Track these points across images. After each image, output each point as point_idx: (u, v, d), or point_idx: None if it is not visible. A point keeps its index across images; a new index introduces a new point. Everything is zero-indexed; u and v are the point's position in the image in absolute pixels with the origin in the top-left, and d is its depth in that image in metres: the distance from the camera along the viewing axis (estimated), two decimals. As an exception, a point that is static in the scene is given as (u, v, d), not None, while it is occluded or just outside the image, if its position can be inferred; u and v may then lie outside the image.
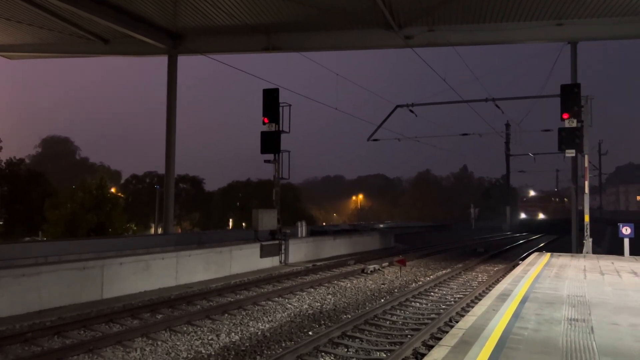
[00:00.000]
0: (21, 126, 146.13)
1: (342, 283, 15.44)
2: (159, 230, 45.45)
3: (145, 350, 8.36)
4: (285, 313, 11.22)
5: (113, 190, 47.25)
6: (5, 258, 14.51)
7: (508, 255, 25.06)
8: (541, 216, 67.75)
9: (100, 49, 25.64)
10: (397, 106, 25.07)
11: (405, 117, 24.74)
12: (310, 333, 9.59)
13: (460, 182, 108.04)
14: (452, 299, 13.10)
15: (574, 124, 18.15)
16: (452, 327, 8.45)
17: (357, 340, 9.07)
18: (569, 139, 18.11)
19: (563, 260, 16.88)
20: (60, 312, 10.76)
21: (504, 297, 9.74)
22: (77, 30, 23.21)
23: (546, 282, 11.68)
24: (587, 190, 19.28)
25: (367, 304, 12.45)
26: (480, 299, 11.38)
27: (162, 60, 26.07)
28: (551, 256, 18.20)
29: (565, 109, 18.27)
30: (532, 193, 59.72)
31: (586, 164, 19.46)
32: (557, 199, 70.11)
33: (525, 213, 64.75)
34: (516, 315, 8.13)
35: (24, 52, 27.67)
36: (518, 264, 17.14)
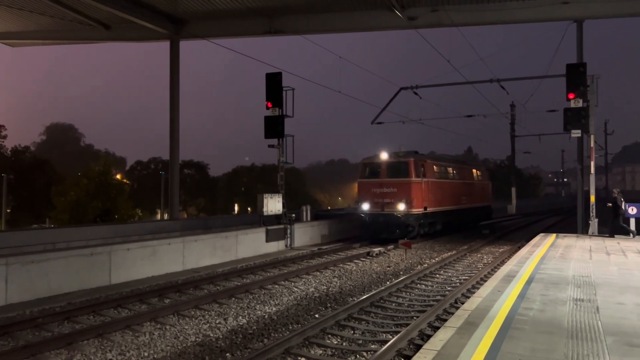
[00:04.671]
0: (25, 114, 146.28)
1: (347, 266, 15.52)
2: (165, 216, 45.71)
3: (154, 334, 8.47)
4: (292, 296, 11.30)
5: (118, 176, 47.41)
6: (13, 245, 14.65)
7: (513, 236, 25.07)
8: (402, 208, 20.02)
9: (101, 35, 25.50)
10: (401, 88, 24.89)
11: (409, 99, 24.57)
12: (316, 316, 9.68)
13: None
14: (457, 281, 13.16)
15: (579, 103, 17.99)
16: (457, 308, 8.51)
17: (363, 322, 9.14)
18: (575, 119, 17.98)
19: (568, 241, 16.88)
20: (70, 298, 10.90)
21: (509, 278, 9.77)
22: (78, 17, 23.06)
23: (551, 263, 11.70)
24: (593, 170, 19.18)
25: (372, 286, 12.53)
26: (485, 281, 11.44)
27: (165, 45, 25.91)
28: (557, 237, 18.21)
29: (570, 89, 18.10)
30: (383, 156, 21.26)
31: (592, 144, 19.33)
32: (451, 169, 25.16)
33: (370, 201, 21.00)
34: (521, 296, 8.16)
35: (25, 40, 27.57)
36: (523, 245, 17.16)
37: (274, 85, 19.95)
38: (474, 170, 29.41)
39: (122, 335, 8.40)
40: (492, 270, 14.36)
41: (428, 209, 21.43)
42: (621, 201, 17.93)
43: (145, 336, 8.35)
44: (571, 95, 18.05)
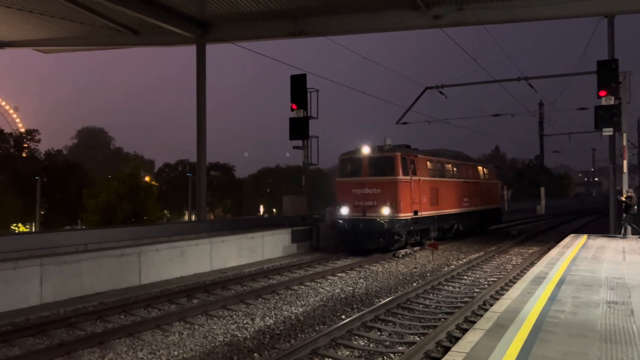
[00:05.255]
0: (57, 119, 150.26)
1: (373, 267, 15.47)
2: (193, 218, 46.32)
3: (183, 334, 8.60)
4: (318, 297, 11.33)
5: (147, 179, 48.29)
6: (47, 246, 15.05)
7: (543, 237, 24.59)
8: (386, 212, 17.10)
9: (130, 40, 26.02)
10: (427, 88, 24.70)
11: (435, 99, 24.38)
12: (343, 317, 9.67)
13: (493, 164, 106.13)
14: (485, 282, 12.98)
15: (611, 101, 17.53)
16: (486, 310, 8.39)
17: (390, 324, 9.11)
18: (606, 117, 17.53)
19: (601, 241, 16.48)
20: (101, 298, 11.16)
21: (539, 280, 9.60)
22: (107, 23, 23.58)
23: (583, 265, 11.44)
24: (625, 169, 18.67)
25: (399, 287, 12.46)
26: (514, 282, 11.26)
27: (191, 49, 26.29)
28: (588, 238, 17.79)
29: (601, 86, 17.65)
30: (365, 150, 18.17)
31: (624, 143, 18.82)
32: (450, 166, 22.20)
33: (350, 205, 17.98)
34: (552, 298, 8.01)
35: (57, 46, 28.33)
36: (554, 246, 16.82)
37: (298, 87, 20.05)
38: (480, 168, 26.21)
39: (152, 334, 8.56)
40: (521, 271, 14.12)
41: (420, 213, 18.34)
42: (637, 202, 17.44)
43: (174, 336, 8.49)
44: (602, 93, 17.61)
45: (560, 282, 9.29)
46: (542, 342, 5.75)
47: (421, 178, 18.67)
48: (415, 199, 18.05)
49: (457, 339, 7.34)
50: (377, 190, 17.66)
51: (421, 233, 19.19)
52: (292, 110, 20.11)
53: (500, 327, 6.34)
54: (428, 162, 19.82)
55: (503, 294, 9.32)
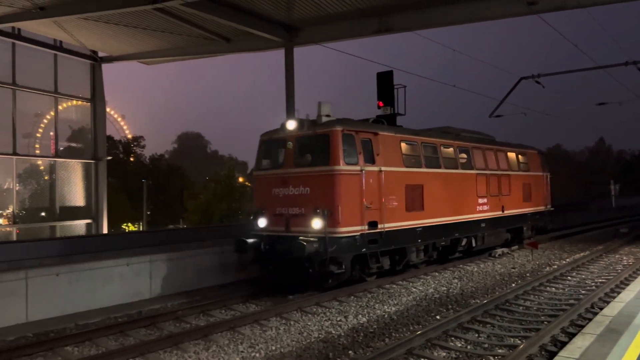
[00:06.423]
0: (159, 125, 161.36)
1: (468, 267, 14.99)
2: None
3: (279, 329, 8.89)
4: (411, 297, 11.19)
5: (241, 179, 50.44)
6: (154, 244, 16.25)
7: (659, 235, 22.41)
8: (317, 226, 10.50)
9: (223, 48, 27.27)
10: (522, 78, 23.44)
11: (531, 89, 23.08)
12: (437, 317, 9.48)
13: (597, 157, 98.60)
14: (592, 284, 12.11)
15: None
16: (595, 314, 7.84)
17: (488, 325, 8.79)
18: None
19: None
20: (203, 293, 11.83)
21: (657, 282, 8.78)
22: (202, 33, 24.89)
23: None
24: None
25: (496, 288, 11.98)
26: (627, 284, 10.42)
27: (278, 53, 27.02)
28: None
29: None
30: (290, 125, 11.39)
31: None
32: (452, 150, 14.69)
33: (269, 212, 11.61)
34: (673, 302, 7.30)
35: (158, 57, 30.42)
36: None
37: (385, 84, 19.86)
38: (511, 154, 18.25)
39: (251, 329, 8.93)
40: (633, 272, 13.01)
41: (382, 225, 11.61)
42: None
43: (272, 331, 8.79)
44: None
45: (683, 285, 8.44)
46: (664, 351, 5.26)
47: (386, 168, 11.87)
48: (372, 203, 11.40)
49: (563, 343, 6.92)
50: (305, 189, 11.23)
51: (391, 255, 12.42)
52: (379, 107, 19.97)
53: (613, 332, 5.89)
54: (403, 144, 12.87)
55: (614, 297, 8.65)
